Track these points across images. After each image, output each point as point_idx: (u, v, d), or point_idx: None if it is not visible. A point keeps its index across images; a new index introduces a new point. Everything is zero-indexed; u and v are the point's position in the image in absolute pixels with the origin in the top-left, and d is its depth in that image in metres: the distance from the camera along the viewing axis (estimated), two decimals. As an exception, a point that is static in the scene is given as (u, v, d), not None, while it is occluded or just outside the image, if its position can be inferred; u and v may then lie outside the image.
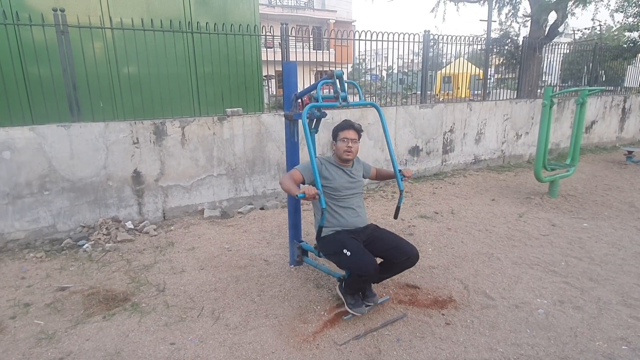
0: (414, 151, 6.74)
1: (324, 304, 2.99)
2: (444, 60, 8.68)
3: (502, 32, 12.09)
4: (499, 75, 11.43)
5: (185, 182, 4.94)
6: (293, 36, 5.58)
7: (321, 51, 7.88)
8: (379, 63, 8.51)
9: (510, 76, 10.77)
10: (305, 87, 3.16)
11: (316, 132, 3.36)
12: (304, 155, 3.64)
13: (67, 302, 3.05)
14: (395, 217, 3.12)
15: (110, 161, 4.45)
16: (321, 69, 7.65)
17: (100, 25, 4.68)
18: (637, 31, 16.87)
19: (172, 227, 4.64)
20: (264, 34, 5.62)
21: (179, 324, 2.76)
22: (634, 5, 15.42)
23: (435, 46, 6.64)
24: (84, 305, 3.00)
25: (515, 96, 8.50)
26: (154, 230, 4.50)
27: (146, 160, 4.66)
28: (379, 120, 6.28)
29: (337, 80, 2.59)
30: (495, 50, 10.25)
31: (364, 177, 3.13)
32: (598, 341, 2.53)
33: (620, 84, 11.28)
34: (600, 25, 17.07)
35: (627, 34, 17.44)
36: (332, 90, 2.75)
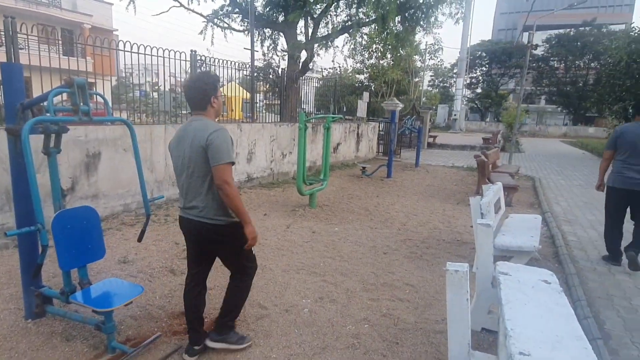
0: (188, 171, 6.53)
1: (79, 359, 2.45)
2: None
3: (265, 62, 13.37)
4: (267, 101, 12.57)
5: None
6: (24, 34, 4.52)
7: (75, 58, 6.72)
8: (148, 79, 7.95)
9: (276, 102, 11.99)
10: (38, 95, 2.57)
11: (58, 152, 2.77)
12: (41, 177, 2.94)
13: None
14: (140, 240, 2.96)
15: None
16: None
17: None
18: (363, 74, 21.87)
19: None
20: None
21: None
22: (359, 54, 19.92)
23: (203, 66, 6.69)
24: None
25: (279, 120, 9.48)
26: None
27: None
28: (149, 138, 5.85)
29: (78, 90, 2.19)
30: (260, 77, 11.22)
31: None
32: (348, 325, 3.00)
33: (355, 114, 14.28)
34: (339, 66, 21.23)
35: (357, 76, 22.36)
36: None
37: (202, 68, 6.69)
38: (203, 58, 6.73)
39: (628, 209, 4.24)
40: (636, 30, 15.72)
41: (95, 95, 2.97)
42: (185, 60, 6.39)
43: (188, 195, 2.36)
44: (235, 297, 2.58)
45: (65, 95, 2.50)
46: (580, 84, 38.02)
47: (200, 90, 2.33)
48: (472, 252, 4.63)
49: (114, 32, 26.04)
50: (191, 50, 6.46)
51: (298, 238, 4.99)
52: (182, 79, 6.53)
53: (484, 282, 2.98)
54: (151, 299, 3.25)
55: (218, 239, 2.39)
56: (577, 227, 5.81)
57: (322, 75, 20.81)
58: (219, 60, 7.20)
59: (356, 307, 3.28)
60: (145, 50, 5.78)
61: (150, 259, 4.05)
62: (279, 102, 10.65)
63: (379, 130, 14.21)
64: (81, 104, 2.24)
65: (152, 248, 4.35)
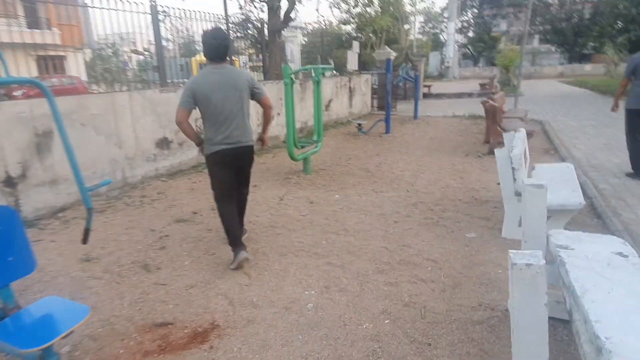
0: (163, 143, 5.76)
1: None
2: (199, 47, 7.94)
3: (243, 16, 12.15)
4: (252, 63, 11.52)
5: None
6: None
7: (40, 31, 5.84)
8: (125, 48, 7.14)
9: (260, 64, 10.99)
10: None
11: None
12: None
13: None
14: (84, 242, 2.24)
15: None
16: (45, 54, 5.70)
17: None
18: (349, 25, 20.46)
19: None
20: None
21: None
22: (344, 2, 18.47)
23: (165, 20, 5.74)
24: None
25: (263, 79, 8.57)
26: None
27: None
28: (112, 109, 5.05)
29: None
30: (239, 34, 10.16)
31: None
32: (365, 323, 2.40)
33: (345, 68, 13.26)
34: (323, 19, 19.82)
35: (343, 27, 20.93)
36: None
37: (166, 22, 5.75)
38: (166, 10, 5.76)
39: None
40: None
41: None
42: (145, 13, 5.43)
43: (236, 124, 3.00)
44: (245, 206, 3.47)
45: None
46: (576, 20, 36.35)
47: (227, 46, 2.98)
48: (495, 213, 4.01)
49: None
50: (150, 1, 5.48)
51: (294, 211, 4.34)
52: (144, 38, 5.61)
53: (533, 257, 2.36)
54: (117, 308, 2.62)
55: (251, 156, 3.25)
56: (605, 172, 5.19)
57: (307, 31, 19.45)
58: (187, 12, 6.21)
59: (371, 296, 2.68)
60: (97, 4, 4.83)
61: (120, 253, 3.39)
62: (262, 63, 9.66)
63: (372, 84, 13.25)
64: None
65: (122, 238, 3.69)
